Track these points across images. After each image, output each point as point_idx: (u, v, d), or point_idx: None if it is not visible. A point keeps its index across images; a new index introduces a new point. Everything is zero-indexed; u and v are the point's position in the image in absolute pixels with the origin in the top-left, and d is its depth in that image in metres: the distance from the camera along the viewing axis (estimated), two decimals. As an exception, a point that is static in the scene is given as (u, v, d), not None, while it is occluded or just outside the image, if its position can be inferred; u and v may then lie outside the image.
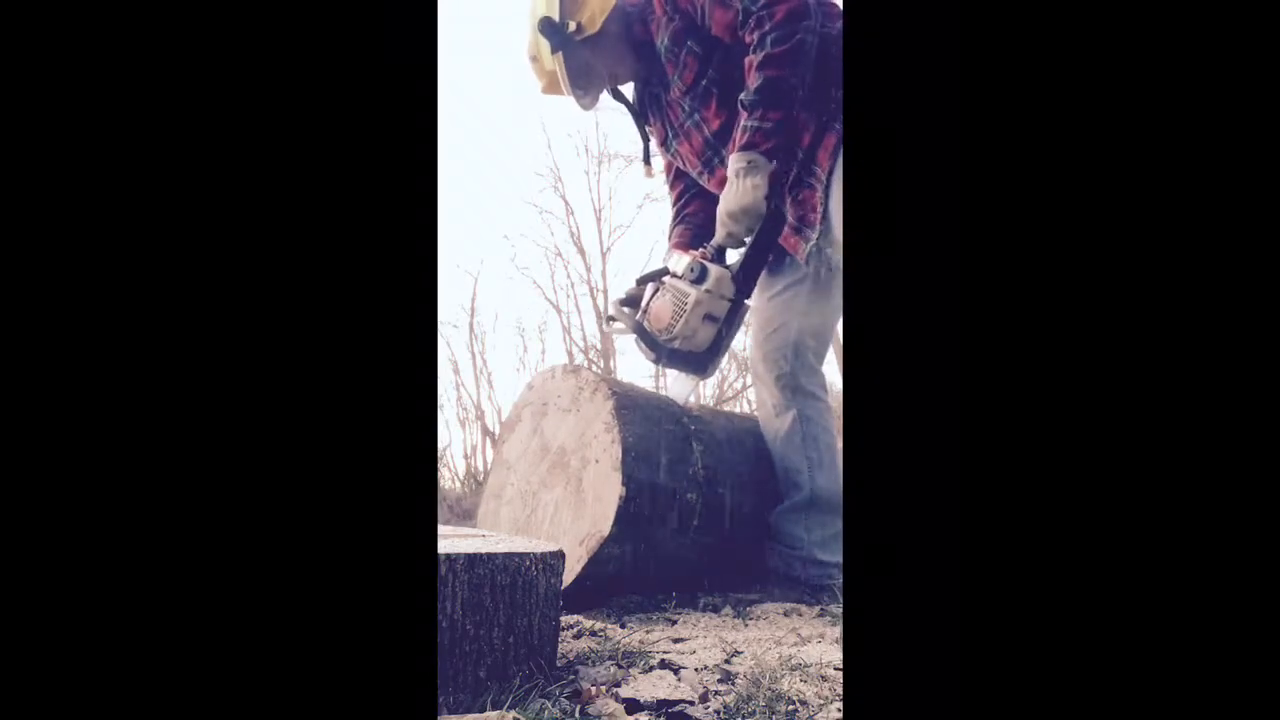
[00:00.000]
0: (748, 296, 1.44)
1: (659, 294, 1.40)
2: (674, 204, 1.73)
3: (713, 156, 1.52)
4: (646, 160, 1.71)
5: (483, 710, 0.71)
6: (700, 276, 1.36)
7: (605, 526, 1.28)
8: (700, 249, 1.44)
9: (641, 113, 1.64)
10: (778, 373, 1.58)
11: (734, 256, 1.43)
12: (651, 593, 1.41)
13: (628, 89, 1.62)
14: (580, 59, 1.48)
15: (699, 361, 1.43)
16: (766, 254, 1.43)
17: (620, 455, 1.30)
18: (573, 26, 1.44)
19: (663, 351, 1.41)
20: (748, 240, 1.40)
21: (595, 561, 1.28)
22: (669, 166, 1.72)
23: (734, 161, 1.33)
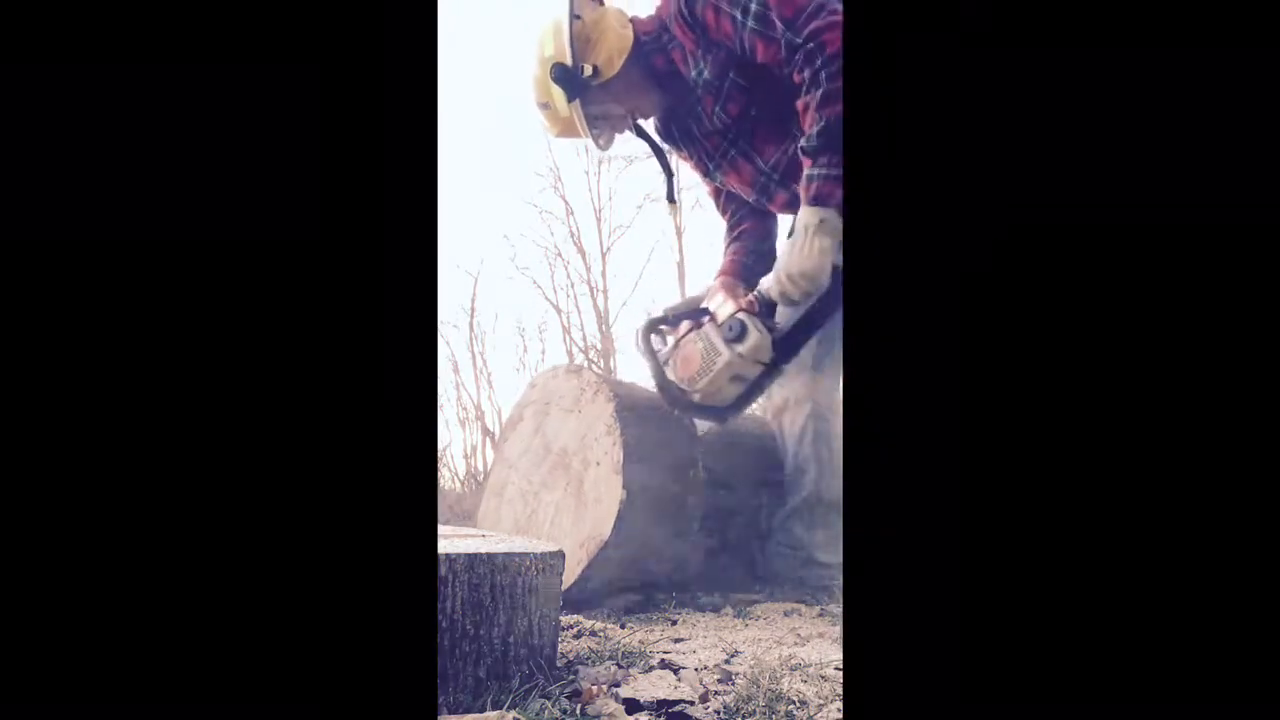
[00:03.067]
0: (785, 364, 1.35)
1: (691, 339, 1.31)
2: (727, 223, 1.65)
3: (768, 183, 1.45)
4: (671, 198, 1.63)
5: (483, 710, 0.71)
6: (739, 336, 1.27)
7: (605, 530, 1.28)
8: (749, 294, 1.33)
9: (669, 144, 1.55)
10: (796, 367, 1.53)
11: (782, 312, 1.34)
12: (651, 593, 1.41)
13: (647, 122, 1.54)
14: (599, 103, 1.40)
15: (717, 413, 1.37)
16: (816, 329, 1.33)
17: (621, 459, 1.30)
18: (589, 71, 1.35)
19: (681, 404, 1.35)
20: (801, 304, 1.30)
21: (595, 564, 1.28)
22: (715, 191, 1.65)
23: (805, 215, 1.24)
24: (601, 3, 1.46)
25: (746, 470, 1.61)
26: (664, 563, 1.41)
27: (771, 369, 1.32)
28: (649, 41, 1.40)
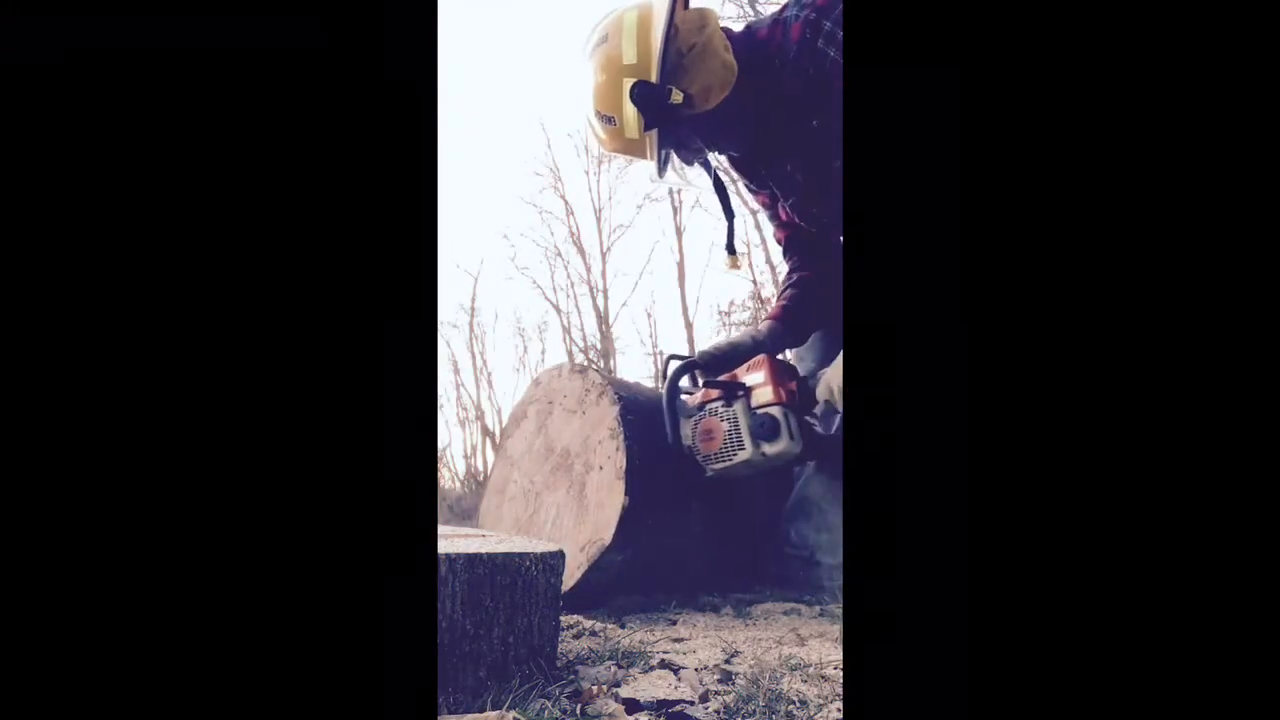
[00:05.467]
0: (812, 460, 1.28)
1: (719, 416, 1.23)
2: (788, 266, 1.55)
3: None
4: (731, 249, 1.46)
5: (483, 710, 0.71)
6: (769, 435, 1.18)
7: (607, 535, 1.27)
8: (792, 383, 1.22)
9: (743, 178, 1.41)
10: (814, 364, 1.52)
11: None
12: (651, 593, 1.41)
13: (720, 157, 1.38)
14: (678, 133, 1.21)
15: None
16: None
17: (624, 464, 1.29)
18: (678, 98, 1.14)
19: (695, 470, 1.29)
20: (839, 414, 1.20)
21: (596, 568, 1.28)
22: (783, 236, 1.54)
23: None
24: (705, 11, 1.24)
25: (751, 475, 1.61)
26: (665, 566, 1.41)
27: (790, 461, 1.23)
28: (755, 76, 1.20)
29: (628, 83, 1.14)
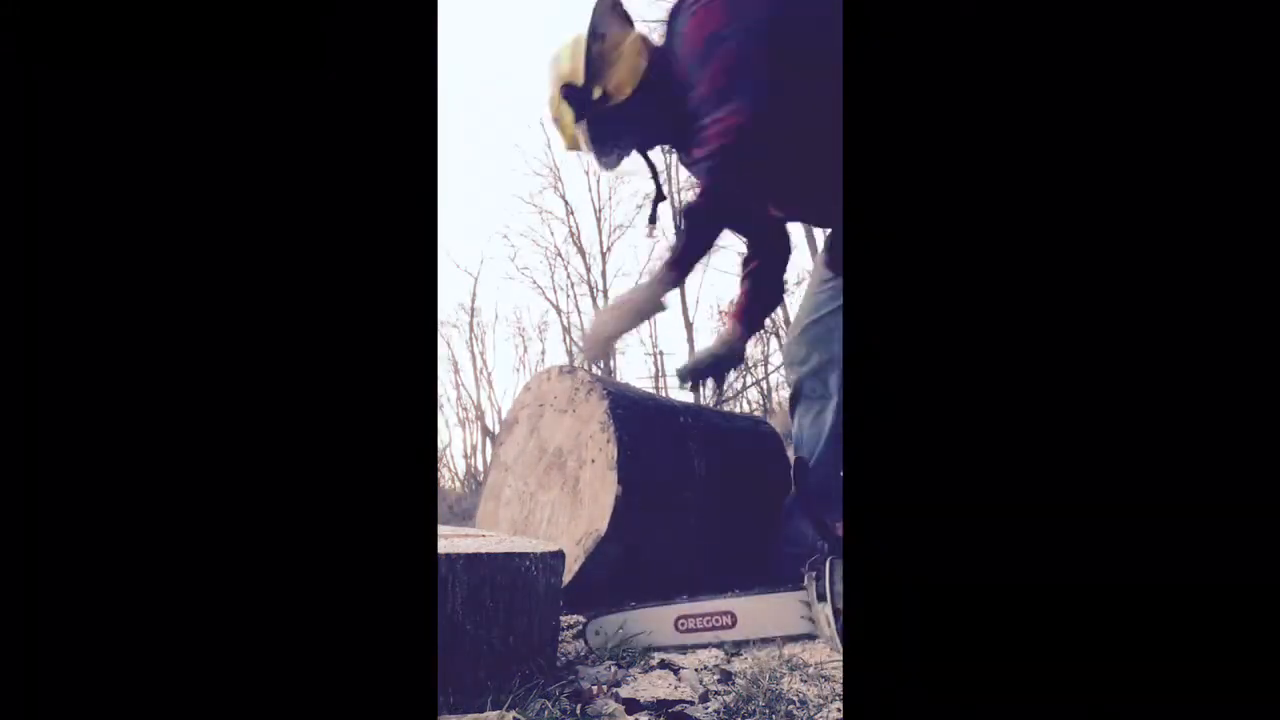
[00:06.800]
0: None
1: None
2: (743, 258, 1.71)
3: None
4: (652, 219, 1.67)
5: (483, 710, 0.71)
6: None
7: (602, 525, 1.28)
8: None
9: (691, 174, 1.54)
10: (827, 357, 1.52)
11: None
12: (651, 592, 1.41)
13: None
14: (606, 125, 1.41)
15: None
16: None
17: (615, 454, 1.31)
18: (598, 93, 1.38)
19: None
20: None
21: (593, 560, 1.29)
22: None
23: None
24: (631, 24, 1.46)
25: (743, 466, 1.62)
26: (661, 560, 1.41)
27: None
28: (662, 70, 1.38)
29: (561, 88, 1.41)
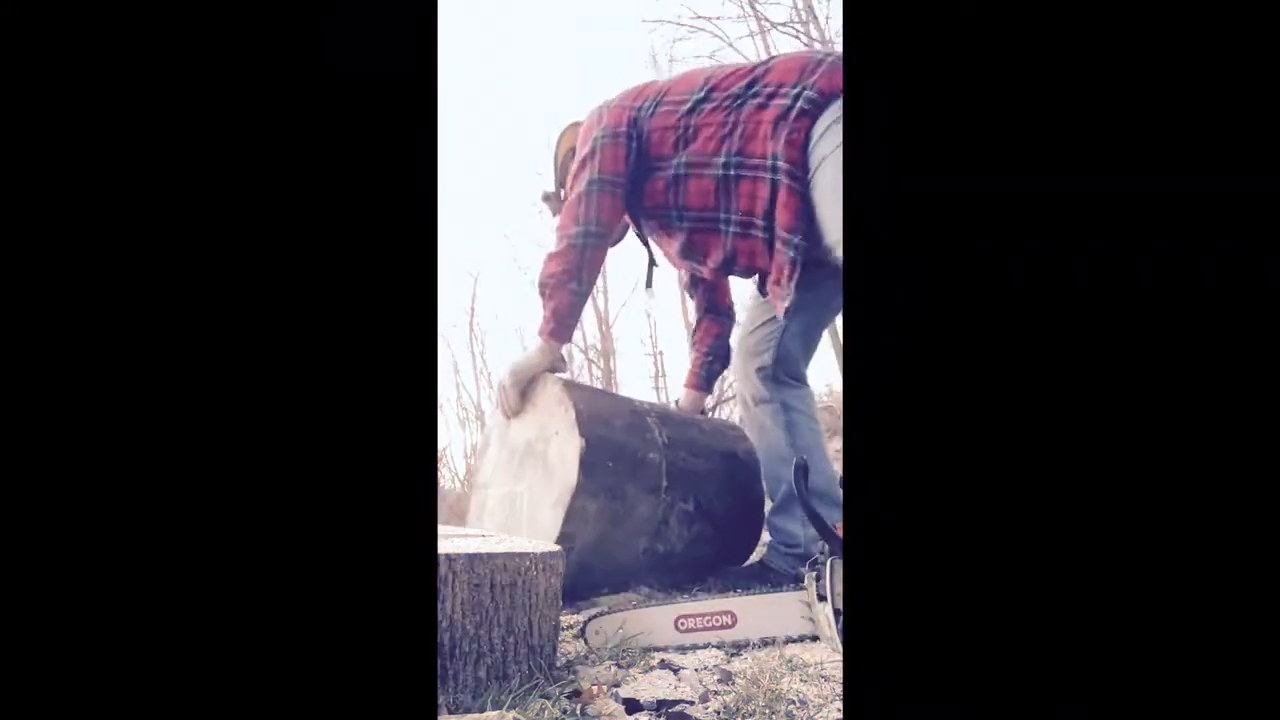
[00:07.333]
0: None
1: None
2: (695, 317, 1.93)
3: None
4: (649, 284, 1.93)
5: (483, 710, 0.71)
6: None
7: (572, 477, 1.33)
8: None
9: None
10: (759, 364, 1.63)
11: None
12: (653, 590, 1.41)
13: None
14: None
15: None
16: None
17: (575, 417, 1.39)
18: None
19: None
20: None
21: (571, 516, 1.33)
22: (686, 282, 1.90)
23: None
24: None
25: (703, 443, 1.63)
26: (642, 531, 1.43)
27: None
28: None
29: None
